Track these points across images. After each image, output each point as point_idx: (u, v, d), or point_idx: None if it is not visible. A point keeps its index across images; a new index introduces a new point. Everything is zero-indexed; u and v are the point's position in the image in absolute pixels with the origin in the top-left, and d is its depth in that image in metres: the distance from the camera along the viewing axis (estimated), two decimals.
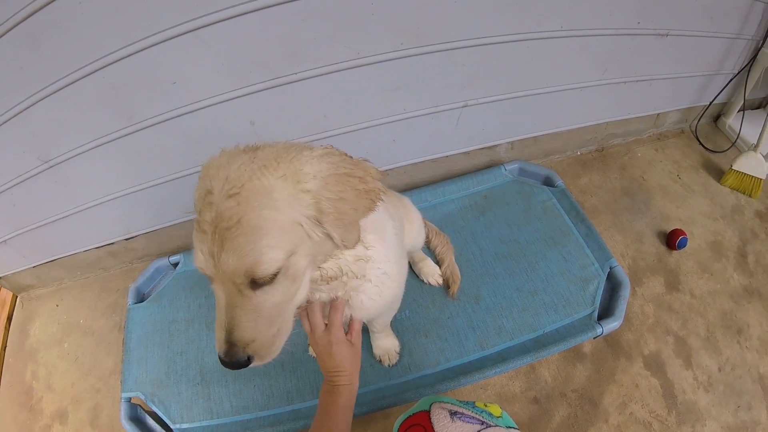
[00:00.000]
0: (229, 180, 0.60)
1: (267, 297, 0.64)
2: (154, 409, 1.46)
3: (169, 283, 1.72)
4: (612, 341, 1.52)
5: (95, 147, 1.44)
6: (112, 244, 1.81)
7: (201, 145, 1.49)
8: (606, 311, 1.48)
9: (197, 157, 1.53)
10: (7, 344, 1.86)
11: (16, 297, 1.98)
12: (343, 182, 0.65)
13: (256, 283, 0.62)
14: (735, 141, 1.99)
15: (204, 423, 1.41)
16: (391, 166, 1.76)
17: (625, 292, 1.48)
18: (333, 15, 1.25)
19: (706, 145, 2.03)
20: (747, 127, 1.96)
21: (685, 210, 1.83)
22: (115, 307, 1.84)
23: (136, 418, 1.46)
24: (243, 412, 1.41)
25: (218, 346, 0.65)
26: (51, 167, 1.48)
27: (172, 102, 1.36)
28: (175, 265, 1.78)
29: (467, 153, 1.81)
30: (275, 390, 1.43)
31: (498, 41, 1.44)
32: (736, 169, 1.82)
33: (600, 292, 1.50)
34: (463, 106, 1.60)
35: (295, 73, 1.34)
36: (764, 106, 2.13)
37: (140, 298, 1.72)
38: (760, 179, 1.79)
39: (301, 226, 0.62)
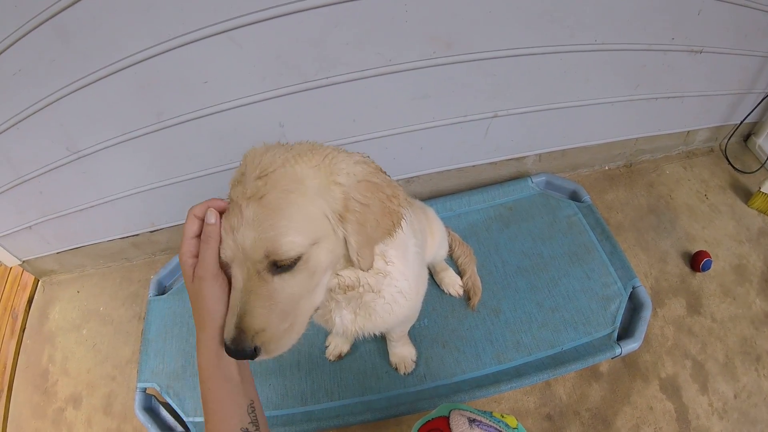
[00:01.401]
0: (262, 164, 0.60)
1: (284, 285, 0.61)
2: (169, 401, 1.48)
3: None
4: (629, 362, 1.50)
5: (123, 141, 1.45)
6: (136, 235, 1.84)
7: (229, 145, 1.50)
8: (626, 332, 1.46)
9: (225, 156, 1.54)
10: (26, 326, 1.90)
11: (38, 281, 2.02)
12: (373, 191, 0.65)
13: (275, 267, 0.60)
14: (765, 162, 1.94)
15: None
16: (418, 174, 1.75)
17: (647, 314, 1.46)
18: (366, 21, 1.24)
19: (735, 165, 1.99)
20: None
21: (710, 231, 1.79)
22: (136, 297, 1.86)
23: (150, 409, 1.49)
24: None
25: (226, 331, 0.61)
26: (79, 158, 1.50)
27: (202, 101, 1.37)
28: None
29: (494, 163, 1.80)
30: (290, 390, 1.44)
31: (530, 53, 1.42)
32: (765, 191, 1.77)
33: (621, 312, 1.48)
34: (492, 117, 1.58)
35: (326, 78, 1.34)
36: None
37: (161, 291, 1.74)
38: None
39: (327, 219, 0.62)
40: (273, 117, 1.44)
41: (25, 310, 1.93)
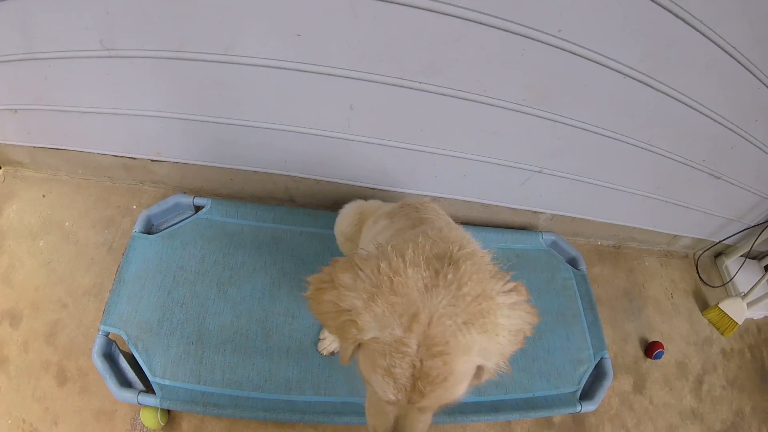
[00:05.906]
0: (432, 336, 0.61)
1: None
2: (135, 354, 1.34)
3: (187, 225, 1.58)
4: (579, 419, 1.66)
5: (172, 58, 1.28)
6: (134, 159, 1.64)
7: (287, 105, 1.40)
8: (586, 393, 1.61)
9: (278, 114, 1.43)
10: None
11: (0, 168, 1.73)
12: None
13: None
14: (726, 282, 2.22)
15: (188, 386, 1.33)
16: (448, 196, 1.76)
17: (607, 383, 1.63)
18: (484, 47, 1.21)
19: (701, 276, 2.25)
20: (742, 273, 2.20)
21: (668, 326, 2.03)
22: (110, 223, 1.66)
23: (108, 355, 1.34)
24: (235, 387, 1.35)
25: None
26: (110, 57, 1.29)
27: (285, 52, 1.25)
28: (199, 208, 1.63)
29: (514, 210, 1.87)
30: (274, 374, 1.38)
31: (598, 132, 1.48)
32: (721, 307, 2.04)
33: (587, 376, 1.64)
34: (537, 172, 1.64)
35: (421, 82, 1.29)
36: (761, 259, 2.38)
37: (148, 229, 1.56)
38: (736, 323, 2.02)
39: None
40: (347, 96, 1.36)
41: None
